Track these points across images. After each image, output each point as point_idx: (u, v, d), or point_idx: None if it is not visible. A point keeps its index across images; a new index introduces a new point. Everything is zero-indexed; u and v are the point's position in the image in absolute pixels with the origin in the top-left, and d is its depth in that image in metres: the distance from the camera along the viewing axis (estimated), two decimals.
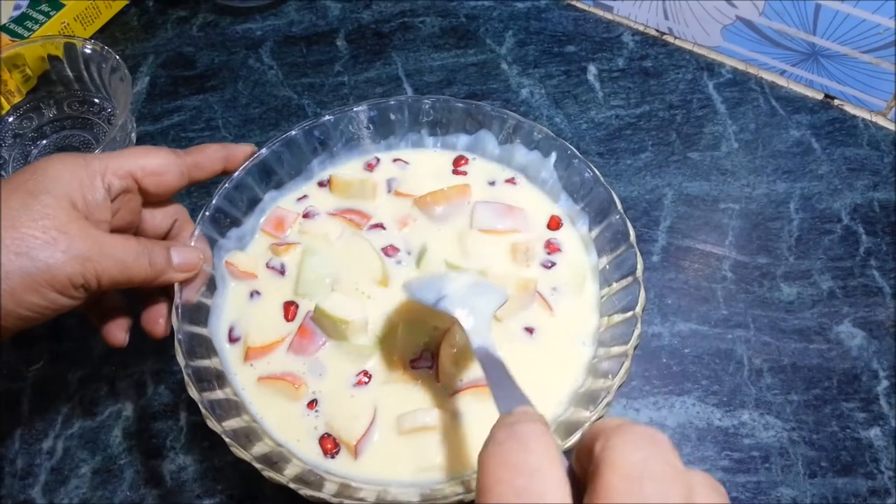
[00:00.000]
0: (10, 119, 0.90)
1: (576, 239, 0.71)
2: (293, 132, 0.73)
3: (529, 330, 0.65)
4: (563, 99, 0.92)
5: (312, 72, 0.96)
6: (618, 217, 0.66)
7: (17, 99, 0.91)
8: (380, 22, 1.01)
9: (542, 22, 1.00)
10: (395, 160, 0.76)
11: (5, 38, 0.92)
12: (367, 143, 0.76)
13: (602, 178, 0.68)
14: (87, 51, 0.87)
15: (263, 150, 0.71)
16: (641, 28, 0.99)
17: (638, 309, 0.61)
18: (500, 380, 0.50)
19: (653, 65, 0.95)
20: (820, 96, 0.91)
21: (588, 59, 0.96)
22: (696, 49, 0.97)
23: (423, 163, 0.76)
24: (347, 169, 0.76)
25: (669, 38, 0.98)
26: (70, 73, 0.90)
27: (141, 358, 0.73)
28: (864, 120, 0.89)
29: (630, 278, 0.64)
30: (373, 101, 0.75)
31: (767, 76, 0.93)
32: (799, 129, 0.88)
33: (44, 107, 0.91)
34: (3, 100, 0.90)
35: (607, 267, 0.67)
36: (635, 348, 0.59)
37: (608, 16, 1.00)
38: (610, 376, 0.59)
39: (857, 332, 0.74)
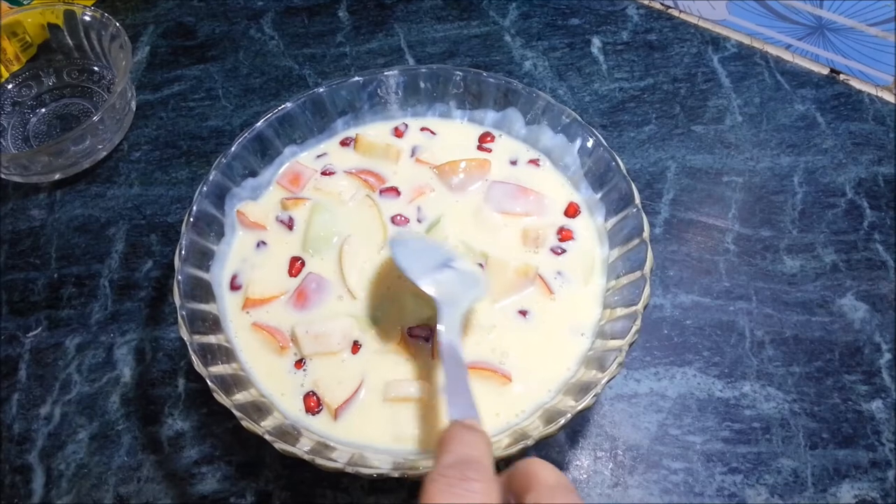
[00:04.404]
0: (10, 87, 0.90)
1: (591, 229, 0.70)
2: (320, 90, 0.73)
3: (523, 313, 0.65)
4: (566, 71, 0.91)
5: (314, 42, 0.95)
6: (635, 210, 0.65)
7: (16, 67, 0.90)
8: None
9: None
10: (422, 129, 0.76)
11: (4, 5, 0.91)
12: (394, 108, 0.77)
13: (624, 170, 0.67)
14: (87, 18, 0.86)
15: (288, 104, 0.71)
16: (646, 1, 0.98)
17: (646, 269, 0.61)
18: (457, 382, 0.52)
19: (657, 38, 0.94)
20: (825, 71, 0.91)
21: (592, 31, 0.95)
22: (701, 23, 0.96)
23: (450, 134, 0.76)
24: (374, 131, 0.76)
25: (674, 12, 0.97)
26: (70, 42, 0.90)
27: (139, 325, 0.73)
28: (869, 95, 0.88)
29: (638, 273, 0.62)
30: (404, 68, 0.75)
31: (773, 50, 0.93)
32: (804, 104, 0.88)
33: (43, 75, 0.91)
34: (2, 68, 0.89)
35: (618, 261, 0.66)
36: (645, 307, 0.59)
37: None
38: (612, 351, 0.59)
39: (859, 306, 0.73)
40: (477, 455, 0.43)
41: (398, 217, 0.70)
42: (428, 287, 0.59)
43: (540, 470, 0.42)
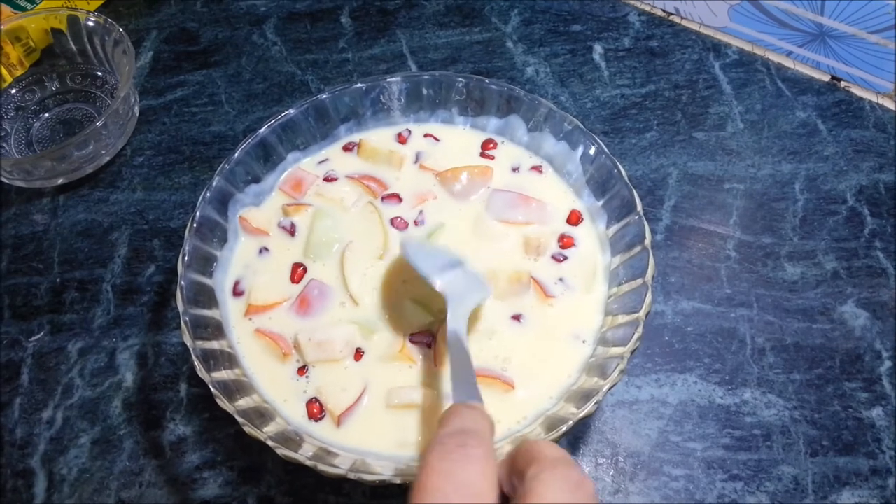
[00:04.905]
0: (13, 91, 0.90)
1: (593, 236, 0.70)
2: (323, 96, 0.73)
3: (517, 317, 0.65)
4: (568, 78, 0.91)
5: (316, 48, 0.96)
6: (636, 217, 0.65)
7: (19, 72, 0.91)
8: None
9: (548, 0, 0.99)
10: (426, 135, 0.76)
11: (8, 10, 0.91)
12: (396, 114, 0.77)
13: (626, 177, 0.67)
14: (91, 23, 0.87)
15: (291, 111, 0.72)
16: (648, 8, 0.98)
17: (648, 276, 0.61)
18: (462, 368, 0.53)
19: (659, 45, 0.95)
20: (826, 78, 0.91)
21: (594, 38, 0.95)
22: (702, 30, 0.96)
23: (454, 140, 0.76)
24: (377, 136, 0.76)
25: (676, 19, 0.97)
26: (73, 47, 0.90)
27: (142, 330, 0.73)
28: (870, 102, 0.88)
29: (640, 280, 0.62)
30: (406, 74, 0.75)
31: (774, 57, 0.93)
32: (805, 111, 0.88)
33: (46, 80, 0.91)
34: (5, 72, 0.89)
35: (620, 268, 0.66)
36: (647, 314, 0.59)
37: None
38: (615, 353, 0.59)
39: (860, 313, 0.73)
40: (477, 427, 0.43)
41: (397, 219, 0.70)
42: (437, 282, 0.60)
43: (542, 446, 0.42)
